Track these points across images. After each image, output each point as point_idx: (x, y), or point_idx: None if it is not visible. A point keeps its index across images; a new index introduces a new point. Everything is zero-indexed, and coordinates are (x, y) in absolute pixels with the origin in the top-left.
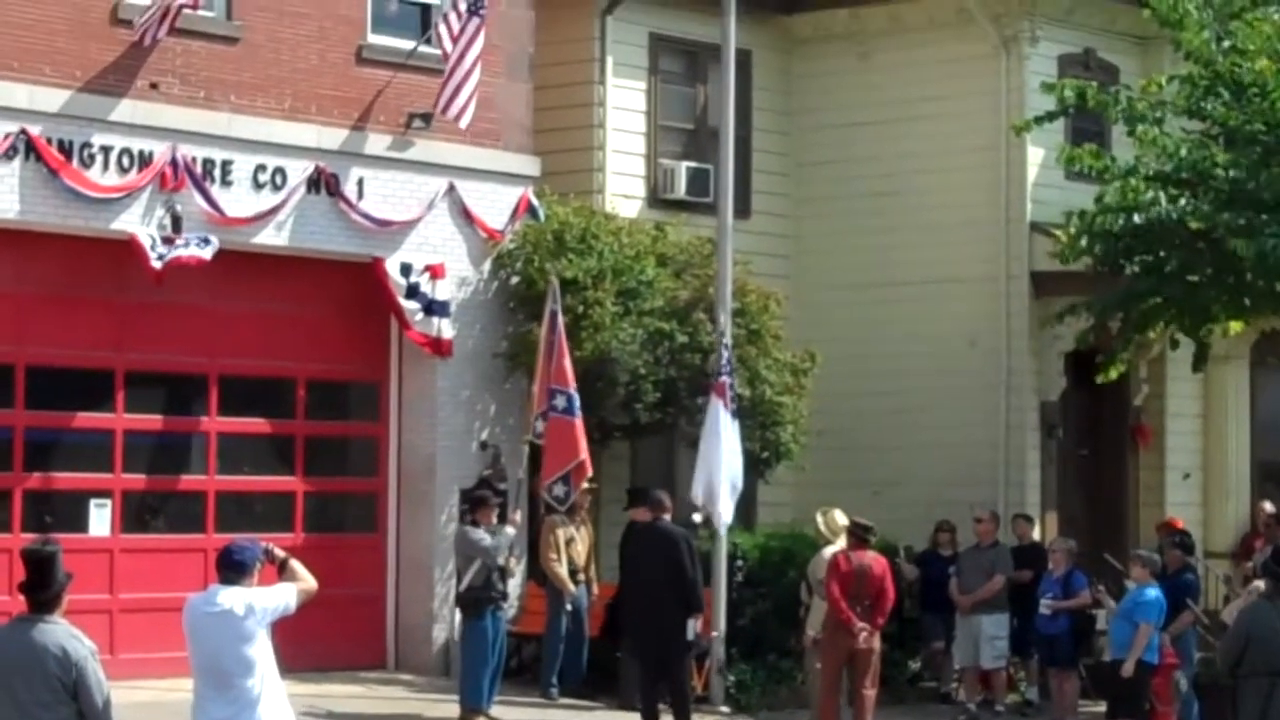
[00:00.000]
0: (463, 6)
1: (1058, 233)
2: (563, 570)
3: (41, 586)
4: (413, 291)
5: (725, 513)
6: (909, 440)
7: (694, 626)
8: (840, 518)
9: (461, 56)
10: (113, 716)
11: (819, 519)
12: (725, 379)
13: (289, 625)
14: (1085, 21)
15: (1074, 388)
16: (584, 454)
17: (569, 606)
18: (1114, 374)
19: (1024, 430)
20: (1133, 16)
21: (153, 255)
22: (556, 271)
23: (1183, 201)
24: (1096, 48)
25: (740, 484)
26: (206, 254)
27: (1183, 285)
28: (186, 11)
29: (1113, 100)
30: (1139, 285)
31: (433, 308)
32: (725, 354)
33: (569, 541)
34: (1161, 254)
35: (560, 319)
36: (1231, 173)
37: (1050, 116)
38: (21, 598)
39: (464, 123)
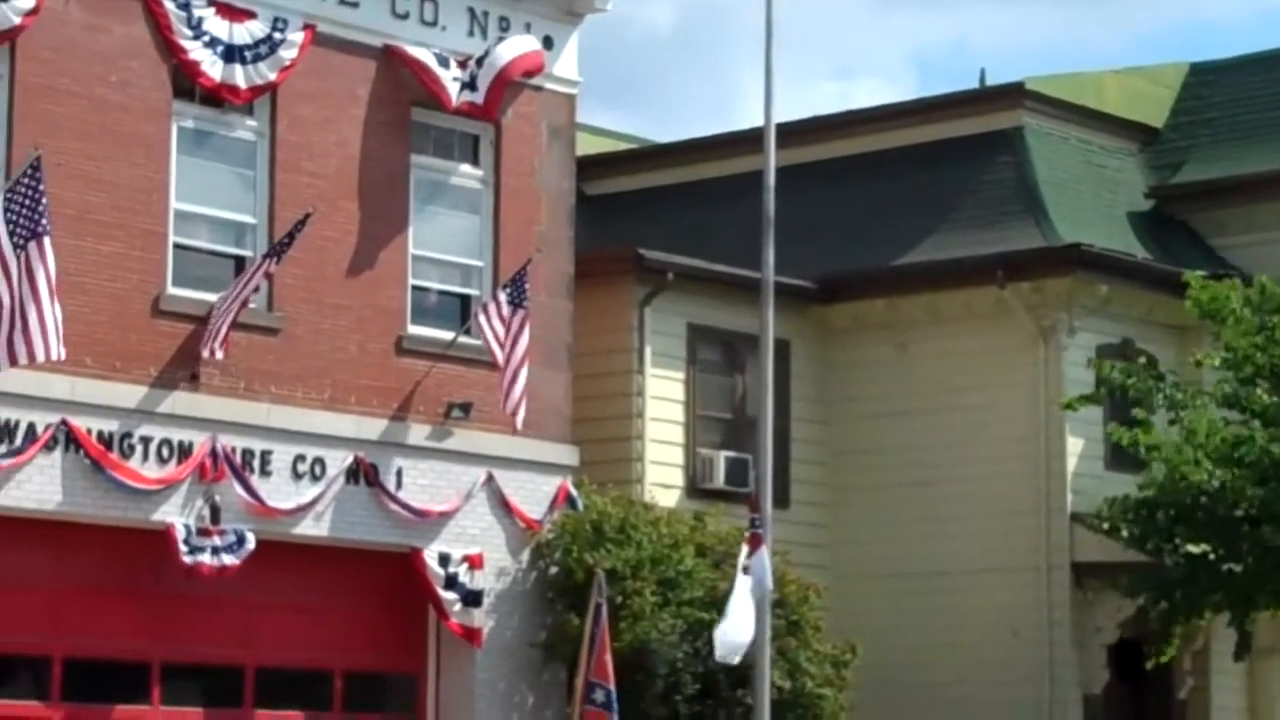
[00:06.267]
0: (502, 297)
1: (1096, 522)
2: None
3: None
4: (451, 582)
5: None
6: None
7: None
8: None
9: (512, 350)
10: None
11: None
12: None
13: None
14: (1123, 312)
15: (1117, 680)
16: None
17: None
18: (1166, 657)
19: None
20: (1170, 307)
21: (185, 549)
22: (595, 562)
23: (1224, 475)
24: (1134, 338)
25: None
26: (238, 558)
27: (1223, 574)
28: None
29: (1155, 388)
30: (1177, 573)
31: (469, 598)
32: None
33: None
34: (1204, 542)
35: (604, 612)
36: (1272, 450)
37: (1094, 399)
38: None
39: (519, 422)
